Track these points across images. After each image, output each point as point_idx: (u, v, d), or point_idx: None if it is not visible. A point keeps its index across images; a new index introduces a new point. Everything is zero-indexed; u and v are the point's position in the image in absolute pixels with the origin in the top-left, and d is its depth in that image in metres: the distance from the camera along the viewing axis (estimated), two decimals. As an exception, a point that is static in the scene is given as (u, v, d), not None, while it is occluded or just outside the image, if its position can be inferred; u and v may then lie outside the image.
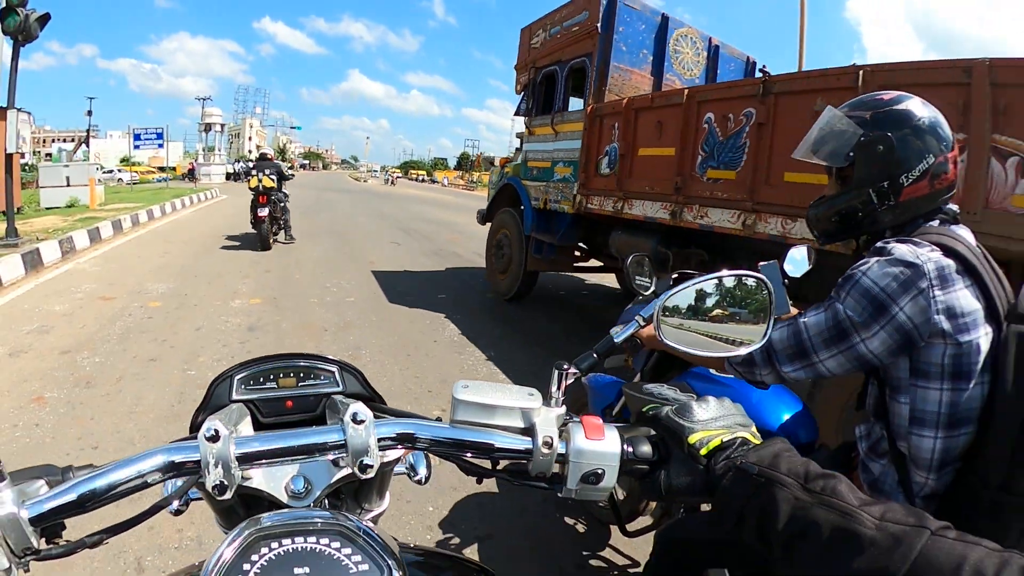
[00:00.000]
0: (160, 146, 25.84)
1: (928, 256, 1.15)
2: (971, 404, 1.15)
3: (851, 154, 1.35)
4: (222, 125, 35.53)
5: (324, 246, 11.17)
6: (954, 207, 1.32)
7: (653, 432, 0.68)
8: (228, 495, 0.57)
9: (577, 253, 7.00)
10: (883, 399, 1.27)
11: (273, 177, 10.43)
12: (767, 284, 0.83)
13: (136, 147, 25.60)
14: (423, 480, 0.84)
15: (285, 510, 0.64)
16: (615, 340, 0.80)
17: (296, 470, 0.68)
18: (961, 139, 2.59)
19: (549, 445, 0.63)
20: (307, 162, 42.36)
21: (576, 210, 5.91)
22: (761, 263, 1.54)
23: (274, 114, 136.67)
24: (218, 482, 0.57)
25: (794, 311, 1.58)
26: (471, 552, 2.53)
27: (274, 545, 0.57)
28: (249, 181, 10.63)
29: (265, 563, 0.56)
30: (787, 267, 1.72)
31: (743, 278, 0.84)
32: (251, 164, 12.99)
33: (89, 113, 48.88)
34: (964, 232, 1.27)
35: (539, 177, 6.73)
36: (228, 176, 38.72)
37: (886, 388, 1.26)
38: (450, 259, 10.35)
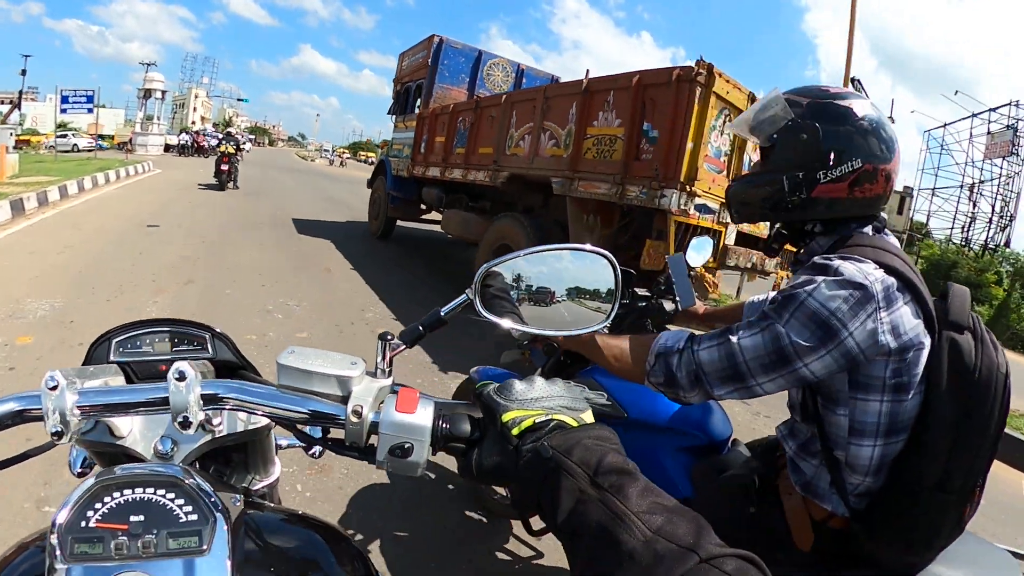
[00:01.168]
0: (90, 111, 22.10)
1: (875, 276, 1.13)
2: (910, 412, 1.16)
3: (775, 136, 1.33)
4: (163, 92, 33.80)
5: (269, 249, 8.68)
6: (884, 215, 1.31)
7: (480, 413, 0.66)
8: (64, 441, 0.61)
9: (423, 207, 10.67)
10: (815, 407, 1.25)
11: (233, 145, 16.66)
12: (612, 262, 0.82)
13: (63, 111, 22.49)
14: (317, 454, 0.94)
15: (135, 464, 0.66)
16: (441, 313, 0.75)
17: (167, 431, 0.73)
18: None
19: (359, 414, 0.63)
20: (253, 137, 40.38)
21: (409, 175, 9.65)
22: (668, 256, 1.74)
23: (222, 85, 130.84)
24: (56, 428, 0.60)
25: (699, 305, 1.77)
26: (372, 545, 2.49)
27: (115, 495, 0.60)
28: (219, 147, 17.28)
29: (106, 511, 0.60)
30: (690, 256, 1.83)
31: (586, 253, 0.82)
32: (199, 135, 29.82)
33: (23, 73, 42.64)
34: (893, 240, 1.27)
35: (397, 155, 10.48)
36: (167, 148, 34.49)
37: (818, 398, 1.25)
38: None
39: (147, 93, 35.30)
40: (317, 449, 0.92)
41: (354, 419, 0.63)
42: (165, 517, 0.61)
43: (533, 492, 0.59)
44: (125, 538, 0.59)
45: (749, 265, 5.44)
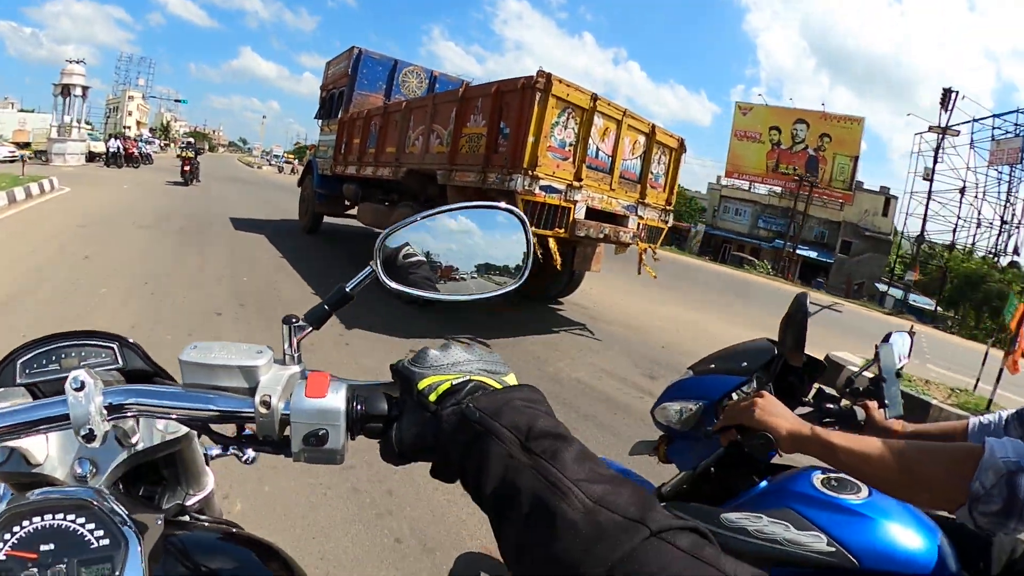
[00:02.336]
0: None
1: None
2: None
3: None
4: (84, 89, 26.79)
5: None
6: None
7: (397, 391, 0.62)
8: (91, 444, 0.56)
9: (347, 203, 11.80)
10: None
11: (192, 151, 22.01)
12: (522, 218, 0.76)
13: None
14: (249, 460, 0.89)
15: (48, 488, 0.63)
16: (346, 289, 0.69)
17: (83, 452, 0.68)
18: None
19: (267, 404, 0.58)
20: (191, 141, 38.88)
21: (332, 173, 10.90)
22: (879, 346, 1.48)
23: (160, 89, 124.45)
24: None
25: (897, 425, 1.37)
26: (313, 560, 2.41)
27: (25, 523, 0.58)
28: (182, 152, 22.81)
29: (16, 541, 0.57)
30: (896, 351, 1.52)
31: (489, 210, 0.77)
32: (129, 140, 29.64)
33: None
34: None
35: (322, 156, 11.75)
36: (92, 157, 27.42)
37: None
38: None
39: (65, 90, 26.56)
40: (249, 455, 0.91)
41: (263, 410, 0.58)
42: (76, 544, 0.58)
43: (456, 458, 0.54)
44: (35, 569, 0.57)
45: (601, 236, 6.77)
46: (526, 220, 0.76)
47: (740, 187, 44.29)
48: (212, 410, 0.59)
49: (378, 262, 0.70)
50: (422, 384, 0.59)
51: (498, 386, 0.59)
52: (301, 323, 0.66)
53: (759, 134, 42.11)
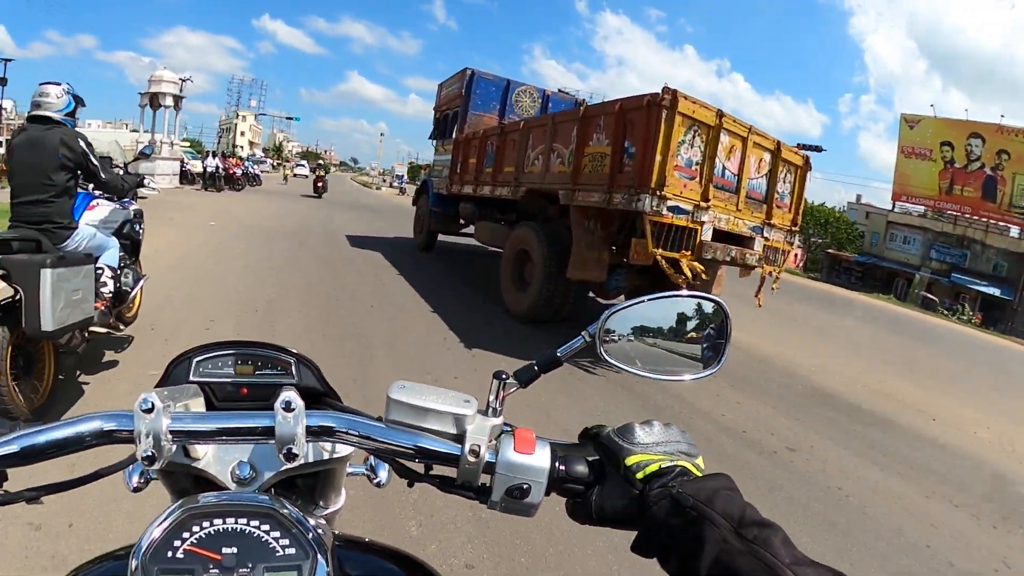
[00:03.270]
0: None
1: None
2: None
3: None
4: (178, 99, 23.31)
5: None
6: None
7: (593, 455, 0.67)
8: (157, 466, 0.59)
9: (462, 221, 12.11)
10: None
11: (324, 170, 29.22)
12: (724, 310, 0.81)
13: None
14: (382, 483, 0.92)
15: (223, 492, 0.67)
16: (557, 354, 0.73)
17: (245, 456, 0.71)
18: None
19: (476, 454, 0.62)
20: (321, 163, 39.66)
21: (448, 192, 11.24)
22: None
23: (272, 111, 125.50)
24: (148, 453, 0.58)
25: None
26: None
27: (205, 524, 0.60)
28: (314, 171, 31.32)
29: (195, 540, 0.59)
30: None
31: (701, 301, 0.82)
32: (230, 159, 28.27)
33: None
34: None
35: (437, 176, 12.17)
36: (185, 177, 23.65)
37: None
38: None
39: (153, 100, 22.63)
40: (382, 478, 0.94)
41: (471, 458, 0.62)
42: (261, 550, 0.61)
43: (663, 537, 0.59)
44: (217, 570, 0.59)
45: (728, 259, 6.63)
46: (728, 312, 0.81)
47: (906, 210, 38.96)
48: (416, 449, 0.63)
49: (599, 338, 0.76)
50: (630, 461, 0.63)
51: (698, 472, 0.64)
52: (511, 380, 0.70)
53: (929, 151, 36.76)
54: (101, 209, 4.34)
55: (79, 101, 3.90)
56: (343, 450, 0.75)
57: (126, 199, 4.64)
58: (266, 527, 0.62)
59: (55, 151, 3.58)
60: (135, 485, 0.82)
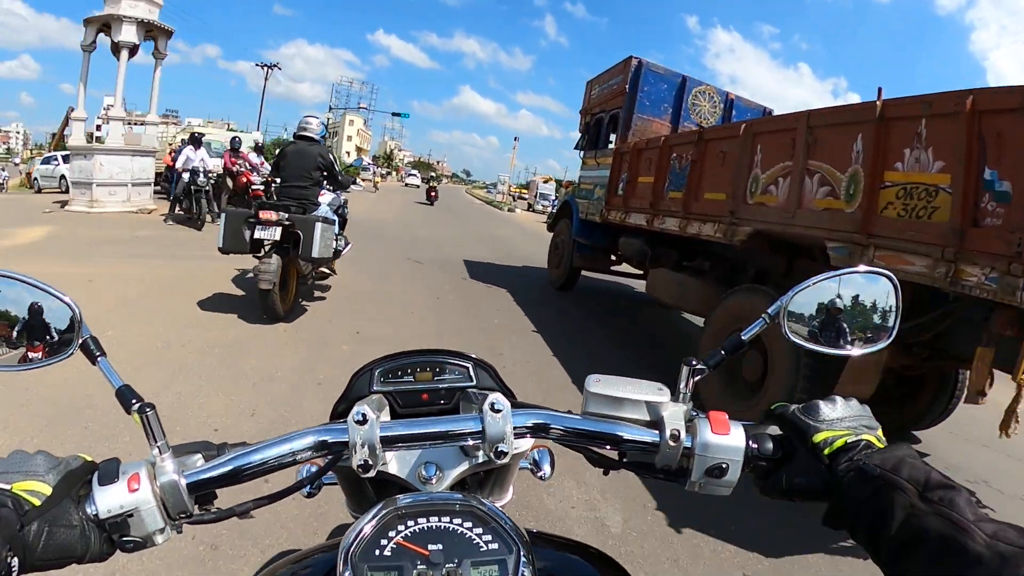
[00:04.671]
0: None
1: None
2: None
3: None
4: (158, 39, 13.40)
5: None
6: None
7: (778, 431, 0.72)
8: (372, 473, 0.66)
9: (613, 258, 9.57)
10: None
11: (436, 182, 37.78)
12: (894, 283, 0.83)
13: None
14: (545, 476, 0.95)
15: (420, 492, 0.72)
16: (743, 338, 0.77)
17: (428, 458, 0.77)
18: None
19: (676, 438, 0.67)
20: (415, 172, 42.00)
21: (602, 220, 8.58)
22: None
23: (387, 125, 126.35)
24: (363, 461, 0.65)
25: None
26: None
27: (410, 523, 0.64)
28: (427, 181, 40.43)
29: (401, 539, 0.63)
30: None
31: (872, 275, 0.84)
32: (234, 154, 13.54)
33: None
34: None
35: (585, 196, 9.51)
36: (168, 180, 14.63)
37: None
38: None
39: (112, 41, 13.07)
40: (546, 471, 0.93)
41: (671, 443, 0.68)
42: (465, 546, 0.63)
43: (852, 507, 0.64)
44: (424, 566, 0.61)
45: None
46: (898, 284, 0.84)
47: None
48: (618, 438, 0.70)
49: (783, 315, 0.80)
50: (817, 438, 0.68)
51: (880, 444, 0.68)
52: (700, 366, 0.74)
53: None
54: (327, 196, 6.79)
55: (327, 128, 7.31)
56: (522, 446, 0.83)
57: (340, 191, 7.20)
58: (468, 524, 0.65)
59: (315, 158, 6.31)
60: (309, 490, 0.84)
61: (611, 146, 8.92)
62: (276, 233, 5.75)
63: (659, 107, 8.79)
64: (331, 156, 6.58)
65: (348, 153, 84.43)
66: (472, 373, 0.89)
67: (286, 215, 5.79)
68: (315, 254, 5.80)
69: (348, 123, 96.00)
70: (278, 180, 6.55)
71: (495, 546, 0.64)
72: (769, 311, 0.79)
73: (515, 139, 55.23)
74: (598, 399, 0.71)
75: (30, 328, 0.71)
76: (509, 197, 54.52)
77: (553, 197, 41.86)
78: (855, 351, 0.83)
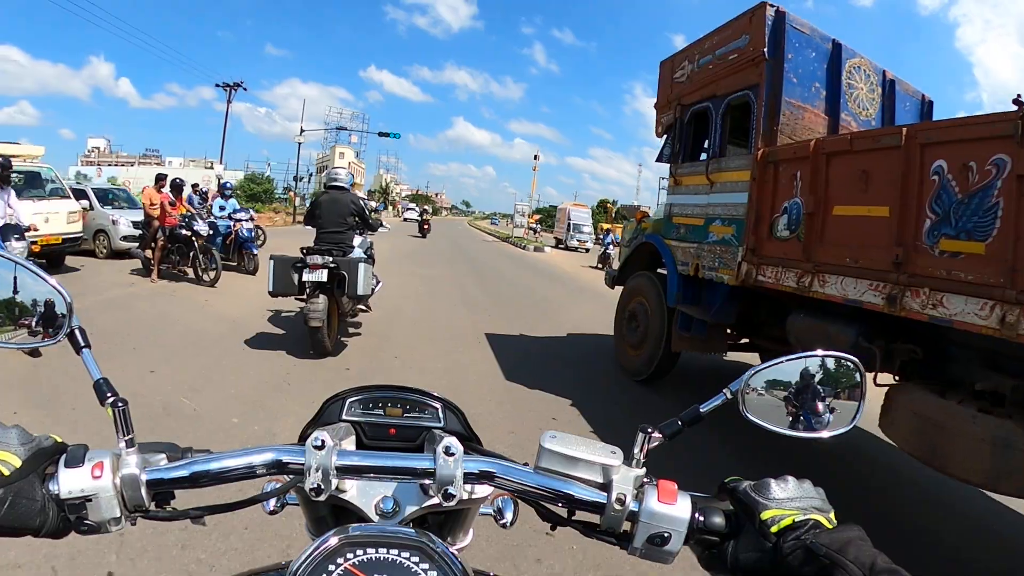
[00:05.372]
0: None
1: None
2: None
3: None
4: None
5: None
6: None
7: (728, 506, 0.72)
8: (322, 498, 0.67)
9: (729, 331, 6.02)
10: None
11: (428, 215, 35.62)
12: (860, 368, 0.85)
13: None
14: (508, 524, 0.93)
15: (374, 523, 0.73)
16: (700, 411, 0.77)
17: (388, 491, 0.77)
18: None
19: (622, 502, 0.68)
20: (427, 208, 40.85)
21: (741, 281, 4.95)
22: None
23: (383, 159, 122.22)
24: (316, 485, 0.66)
25: None
26: None
27: (359, 552, 0.65)
28: (421, 215, 36.08)
29: (349, 567, 0.64)
30: None
31: (839, 360, 0.85)
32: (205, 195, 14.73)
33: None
34: None
35: (688, 237, 5.87)
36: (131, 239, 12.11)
37: None
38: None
39: None
40: (508, 519, 0.93)
41: (617, 507, 0.69)
42: None
43: None
44: None
45: None
46: (863, 370, 0.85)
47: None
48: (566, 496, 0.70)
49: (742, 396, 0.80)
50: (765, 515, 0.67)
51: (829, 525, 0.67)
52: (655, 434, 0.74)
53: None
54: (357, 239, 7.02)
55: (353, 178, 7.82)
56: (481, 492, 0.79)
57: (368, 234, 7.56)
58: (415, 559, 0.65)
59: (347, 205, 6.72)
60: (271, 508, 0.89)
61: (739, 153, 5.44)
62: (323, 275, 6.07)
63: (808, 87, 5.22)
64: (362, 202, 7.12)
65: (322, 188, 79.43)
66: (441, 415, 0.90)
67: (330, 259, 6.19)
68: (360, 292, 6.30)
69: (338, 156, 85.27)
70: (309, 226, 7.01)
71: None
72: (731, 387, 0.80)
73: (536, 157, 44.08)
74: (552, 456, 0.71)
75: (24, 311, 0.77)
76: (530, 231, 43.13)
77: (612, 238, 24.70)
78: (815, 434, 0.83)
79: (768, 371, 0.83)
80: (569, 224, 37.30)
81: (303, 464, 0.67)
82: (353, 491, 0.76)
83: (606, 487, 0.70)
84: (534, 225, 45.53)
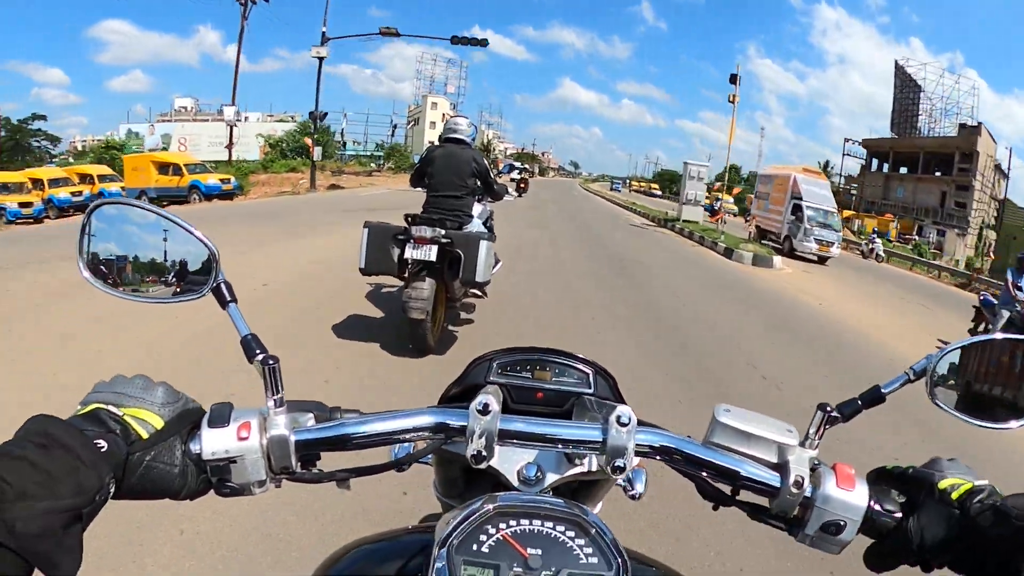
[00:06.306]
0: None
1: None
2: None
3: None
4: None
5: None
6: None
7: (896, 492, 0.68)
8: (483, 465, 0.64)
9: None
10: None
11: (527, 174, 28.37)
12: None
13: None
14: (637, 496, 0.88)
15: (523, 492, 0.69)
16: (881, 391, 0.72)
17: (530, 457, 0.72)
18: None
19: (799, 485, 0.64)
20: (519, 164, 37.46)
21: None
22: None
23: (488, 117, 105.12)
24: (477, 452, 0.63)
25: None
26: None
27: (512, 522, 0.61)
28: (520, 175, 27.17)
29: (500, 537, 0.60)
30: None
31: None
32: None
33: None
34: None
35: None
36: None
37: None
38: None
39: None
40: (638, 490, 0.89)
41: (794, 490, 0.64)
42: (565, 555, 0.60)
43: (989, 550, 0.61)
44: (521, 569, 0.58)
45: None
46: None
47: None
48: (738, 473, 0.67)
49: (930, 375, 0.74)
50: (943, 484, 0.65)
51: (1002, 495, 0.63)
52: (834, 413, 0.70)
53: None
54: (476, 207, 5.62)
55: (476, 131, 5.88)
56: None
57: (490, 202, 6.04)
58: (571, 533, 0.62)
59: (468, 164, 5.33)
60: (402, 464, 0.80)
61: None
62: (431, 253, 4.78)
63: None
64: (485, 162, 5.75)
65: (431, 143, 74.70)
66: (592, 380, 0.85)
67: (442, 231, 4.86)
68: (479, 278, 4.90)
69: (431, 107, 74.80)
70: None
71: (595, 560, 0.60)
72: (914, 367, 0.75)
73: (733, 95, 23.15)
74: (725, 430, 0.68)
75: (169, 265, 0.77)
76: (707, 211, 24.76)
77: (839, 227, 20.57)
78: (1003, 425, 0.78)
79: (955, 353, 0.77)
80: (798, 207, 20.50)
81: (463, 428, 0.65)
82: (496, 456, 0.72)
83: (780, 468, 0.67)
84: (715, 203, 25.43)
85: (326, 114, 28.79)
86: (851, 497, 0.64)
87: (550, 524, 0.62)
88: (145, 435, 0.59)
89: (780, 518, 0.67)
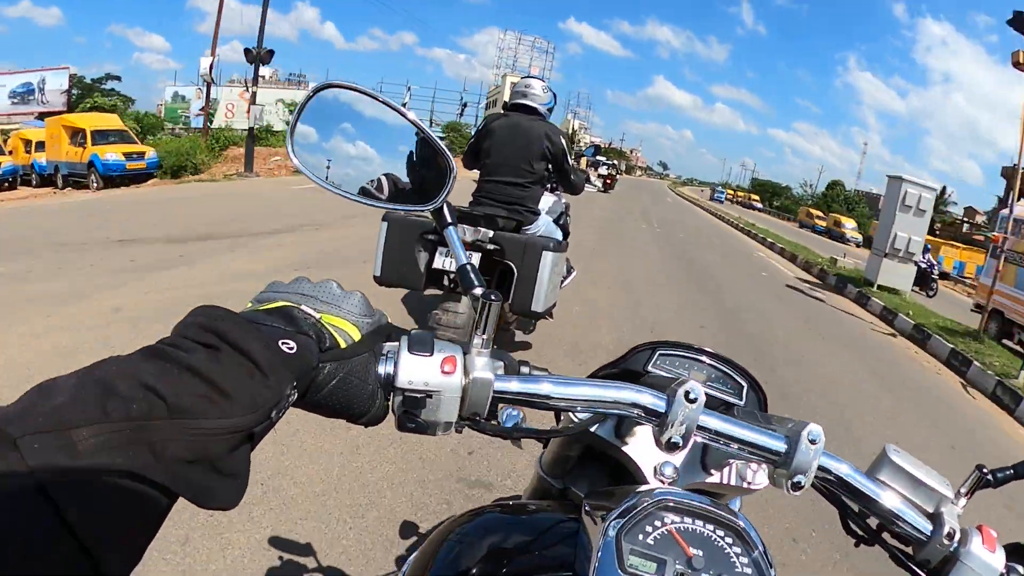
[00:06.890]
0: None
1: None
2: None
3: None
4: None
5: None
6: None
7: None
8: (679, 454, 0.67)
9: None
10: None
11: (615, 171, 32.84)
12: None
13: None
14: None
15: (678, 490, 0.65)
16: None
17: (668, 456, 0.72)
18: None
19: (951, 538, 0.64)
20: (604, 159, 35.48)
21: None
22: None
23: (570, 103, 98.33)
24: (675, 440, 0.59)
25: None
26: None
27: (675, 519, 0.60)
28: (608, 171, 31.61)
29: (666, 531, 0.59)
30: None
31: None
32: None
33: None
34: None
35: None
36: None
37: None
38: None
39: None
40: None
41: (945, 542, 0.64)
42: (724, 561, 0.58)
43: None
44: (684, 567, 0.57)
45: None
46: None
47: None
48: (893, 512, 0.64)
49: None
50: None
51: None
52: (988, 477, 0.69)
53: None
54: (546, 199, 4.27)
55: (555, 101, 4.27)
56: (762, 482, 0.75)
57: (560, 192, 4.71)
58: (729, 540, 0.60)
59: (539, 141, 3.86)
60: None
61: None
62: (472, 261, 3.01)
63: None
64: (564, 140, 4.08)
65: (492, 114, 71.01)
66: (744, 392, 0.84)
67: (490, 233, 3.60)
68: (538, 306, 3.47)
69: (509, 87, 71.79)
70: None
71: (749, 571, 0.58)
72: None
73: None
74: (892, 468, 0.66)
75: (411, 175, 0.78)
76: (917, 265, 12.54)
77: None
78: None
79: None
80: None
81: (660, 412, 0.60)
82: (634, 445, 0.73)
83: (933, 517, 0.66)
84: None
85: (272, 52, 20.07)
86: (992, 559, 0.64)
87: (711, 527, 0.60)
88: (344, 345, 0.54)
89: (922, 566, 0.67)
